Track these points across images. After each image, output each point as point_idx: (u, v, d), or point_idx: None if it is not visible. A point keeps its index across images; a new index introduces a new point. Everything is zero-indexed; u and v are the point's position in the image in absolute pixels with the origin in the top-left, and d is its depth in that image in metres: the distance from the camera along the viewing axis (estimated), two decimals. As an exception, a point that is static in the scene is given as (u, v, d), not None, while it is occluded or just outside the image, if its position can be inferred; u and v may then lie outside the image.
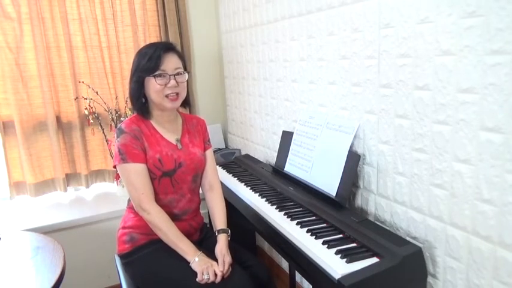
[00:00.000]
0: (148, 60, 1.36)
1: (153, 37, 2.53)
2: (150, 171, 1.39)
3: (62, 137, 2.38)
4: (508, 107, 0.95)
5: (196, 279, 1.26)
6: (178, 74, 1.39)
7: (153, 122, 1.45)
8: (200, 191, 1.58)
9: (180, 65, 1.42)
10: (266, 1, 2.00)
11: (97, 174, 2.52)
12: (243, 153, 2.53)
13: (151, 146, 1.40)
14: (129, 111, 2.41)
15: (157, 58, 1.36)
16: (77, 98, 2.35)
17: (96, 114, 2.36)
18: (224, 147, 2.77)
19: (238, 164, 2.22)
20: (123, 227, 1.47)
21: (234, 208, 1.71)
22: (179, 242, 1.34)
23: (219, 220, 1.49)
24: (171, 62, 1.38)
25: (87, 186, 2.47)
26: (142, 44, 2.47)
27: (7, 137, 2.27)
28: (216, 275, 1.26)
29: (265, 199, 1.61)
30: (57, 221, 2.11)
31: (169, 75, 1.37)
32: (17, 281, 1.39)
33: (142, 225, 1.42)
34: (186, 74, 1.44)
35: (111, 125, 2.39)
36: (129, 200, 1.50)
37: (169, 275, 1.34)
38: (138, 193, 1.36)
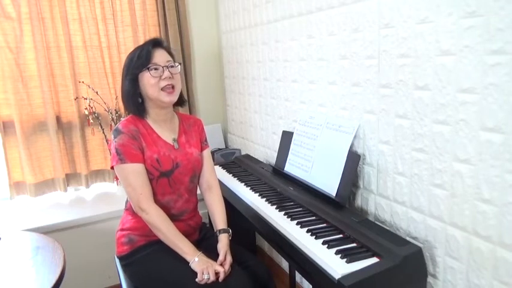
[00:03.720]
0: (139, 57, 1.37)
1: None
2: (147, 171, 1.39)
3: (62, 137, 2.38)
4: (508, 107, 0.95)
5: (196, 280, 1.26)
6: (171, 66, 1.40)
7: (149, 122, 1.45)
8: (198, 191, 1.58)
9: (170, 58, 1.43)
10: (266, 1, 2.00)
11: (97, 174, 2.52)
12: (243, 153, 2.53)
13: (149, 146, 1.40)
14: (129, 111, 2.41)
15: (147, 53, 1.37)
16: (77, 98, 2.35)
17: (96, 114, 2.36)
18: (224, 147, 2.77)
19: (238, 164, 2.22)
20: (122, 229, 1.47)
21: (234, 208, 1.71)
22: (179, 242, 1.34)
23: (220, 220, 1.48)
24: (161, 56, 1.39)
25: (87, 186, 2.47)
26: (142, 44, 2.48)
27: (7, 137, 2.27)
28: (216, 275, 1.26)
29: (265, 199, 1.61)
30: (57, 221, 2.11)
31: (163, 67, 1.38)
32: (17, 281, 1.39)
33: (140, 227, 1.41)
34: (179, 66, 1.45)
35: (111, 125, 2.39)
36: (126, 202, 1.50)
37: (168, 275, 1.34)
38: (137, 193, 1.35)
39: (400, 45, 1.23)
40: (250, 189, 1.76)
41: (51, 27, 2.26)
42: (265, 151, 2.24)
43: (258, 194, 1.68)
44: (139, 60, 1.37)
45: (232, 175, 2.00)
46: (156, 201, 1.40)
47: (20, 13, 2.18)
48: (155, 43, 1.41)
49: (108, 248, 2.02)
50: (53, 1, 2.24)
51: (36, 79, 2.27)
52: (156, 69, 1.37)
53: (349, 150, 1.44)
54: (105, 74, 2.42)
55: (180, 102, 1.51)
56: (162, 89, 1.38)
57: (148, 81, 1.37)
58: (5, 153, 2.27)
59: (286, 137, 1.83)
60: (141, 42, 2.44)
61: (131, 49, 2.41)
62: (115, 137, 1.38)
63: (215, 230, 1.47)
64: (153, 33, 2.53)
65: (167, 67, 1.39)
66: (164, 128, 1.47)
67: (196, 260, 1.29)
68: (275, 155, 1.94)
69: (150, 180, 1.40)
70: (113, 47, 2.43)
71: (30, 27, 2.20)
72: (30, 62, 2.25)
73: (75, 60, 2.36)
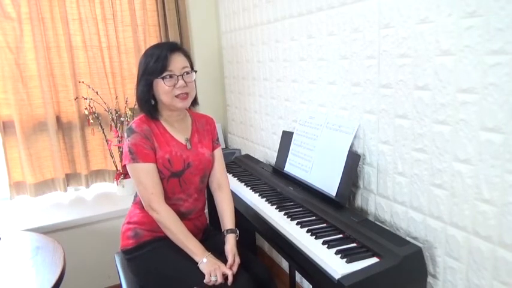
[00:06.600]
0: (155, 62, 1.35)
1: (153, 37, 2.53)
2: (159, 171, 1.39)
3: (62, 137, 2.38)
4: (508, 107, 0.95)
5: (204, 281, 1.26)
6: (186, 73, 1.39)
7: (162, 122, 1.46)
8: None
9: (187, 63, 1.42)
10: (266, 1, 2.00)
11: (97, 174, 2.53)
12: (243, 153, 2.53)
13: (161, 146, 1.40)
14: (129, 111, 2.41)
15: (164, 59, 1.35)
16: (77, 98, 2.35)
17: (96, 114, 2.36)
18: (224, 147, 2.77)
19: (238, 164, 2.22)
20: (128, 222, 1.47)
21: (234, 208, 1.71)
22: (188, 242, 1.34)
23: (228, 220, 1.49)
24: (178, 62, 1.38)
25: (87, 186, 2.47)
26: (142, 44, 2.48)
27: (7, 137, 2.27)
28: (223, 276, 1.26)
29: (265, 199, 1.61)
30: (57, 221, 2.11)
31: (177, 76, 1.37)
32: (17, 281, 1.39)
33: (147, 222, 1.42)
34: (194, 74, 1.44)
35: (111, 125, 2.39)
36: (135, 196, 1.50)
37: (171, 272, 1.34)
38: (148, 193, 1.36)
39: (400, 45, 1.23)
40: (250, 189, 1.76)
41: (51, 27, 2.26)
42: (265, 151, 2.24)
43: (258, 194, 1.68)
44: (154, 65, 1.35)
45: (232, 175, 2.00)
46: (167, 199, 1.41)
47: (20, 13, 2.18)
48: (173, 48, 1.39)
49: (108, 247, 2.02)
50: (53, 1, 2.24)
51: (36, 79, 2.27)
52: (170, 77, 1.36)
53: (349, 150, 1.44)
54: (105, 74, 2.42)
55: (192, 102, 1.50)
56: (175, 96, 1.38)
57: (163, 89, 1.37)
58: (5, 153, 2.27)
59: (286, 137, 1.83)
60: (141, 42, 2.48)
61: (131, 49, 2.46)
62: (128, 136, 1.38)
63: (222, 230, 1.47)
64: (153, 33, 2.53)
65: (182, 76, 1.38)
66: (177, 128, 1.48)
67: (205, 261, 1.30)
68: (275, 155, 1.94)
69: (161, 180, 1.40)
70: (113, 47, 2.43)
71: (30, 27, 2.20)
72: (30, 62, 2.25)
73: (75, 60, 2.36)
